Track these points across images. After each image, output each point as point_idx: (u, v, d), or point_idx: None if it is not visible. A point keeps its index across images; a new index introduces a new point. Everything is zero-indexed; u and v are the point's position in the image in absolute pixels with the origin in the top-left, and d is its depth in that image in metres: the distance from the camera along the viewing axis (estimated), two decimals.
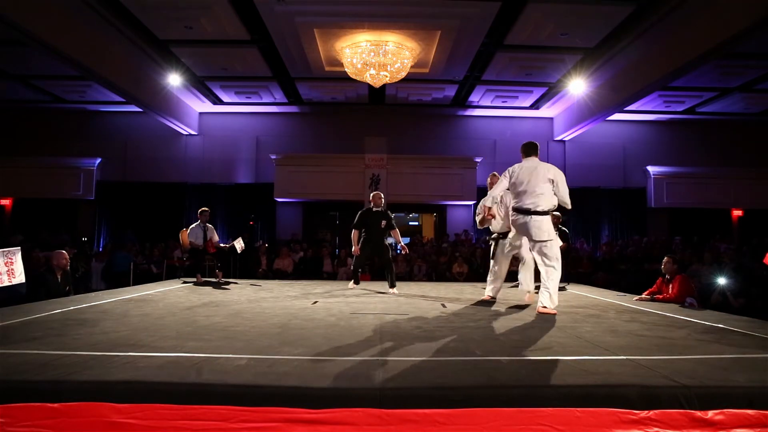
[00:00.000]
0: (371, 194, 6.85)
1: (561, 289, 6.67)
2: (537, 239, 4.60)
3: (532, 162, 4.73)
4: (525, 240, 5.03)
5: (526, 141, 4.92)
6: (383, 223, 6.59)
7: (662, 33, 8.47)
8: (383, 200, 6.91)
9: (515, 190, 4.73)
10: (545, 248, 4.60)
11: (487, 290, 5.69)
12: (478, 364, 2.67)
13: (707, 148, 13.67)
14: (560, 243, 6.90)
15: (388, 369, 2.53)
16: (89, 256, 10.67)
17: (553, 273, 4.59)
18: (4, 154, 13.23)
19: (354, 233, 6.72)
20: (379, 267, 6.95)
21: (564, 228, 7.43)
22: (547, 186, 4.61)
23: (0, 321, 3.71)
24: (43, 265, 6.35)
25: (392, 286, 6.46)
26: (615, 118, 12.72)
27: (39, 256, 8.53)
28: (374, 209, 6.63)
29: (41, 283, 5.55)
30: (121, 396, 2.19)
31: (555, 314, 4.47)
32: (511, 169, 4.78)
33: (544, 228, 4.58)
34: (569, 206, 4.80)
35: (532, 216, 4.59)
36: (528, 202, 4.61)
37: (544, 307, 4.55)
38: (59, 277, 5.70)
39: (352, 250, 6.77)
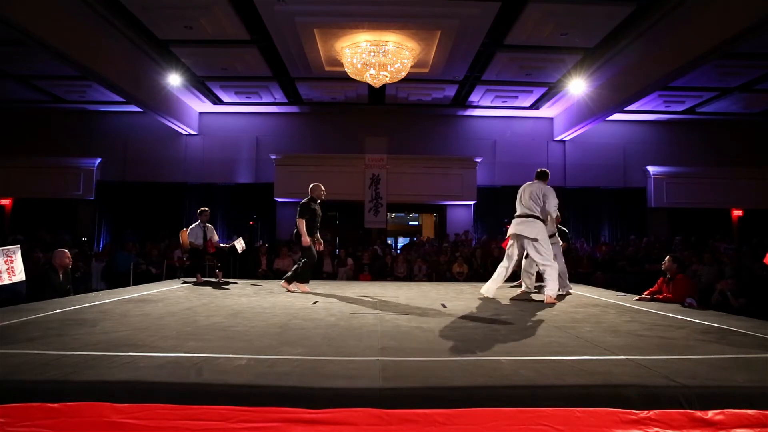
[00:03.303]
0: (312, 186, 6.45)
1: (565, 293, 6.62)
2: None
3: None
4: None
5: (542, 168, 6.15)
6: (320, 215, 6.48)
7: (662, 33, 8.47)
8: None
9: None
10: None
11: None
12: (478, 364, 2.67)
13: (707, 148, 13.67)
14: (560, 243, 6.97)
15: (388, 369, 2.53)
16: (89, 256, 10.66)
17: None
18: (4, 154, 13.24)
19: (303, 223, 6.24)
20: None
21: (563, 228, 7.43)
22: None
23: (0, 321, 3.71)
24: (44, 265, 6.35)
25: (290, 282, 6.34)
26: (615, 118, 12.72)
27: (39, 257, 8.53)
28: (318, 201, 6.42)
29: (46, 282, 5.53)
30: (121, 396, 2.19)
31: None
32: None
33: None
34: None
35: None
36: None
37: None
38: (61, 275, 5.70)
39: (303, 240, 6.22)
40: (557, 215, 6.61)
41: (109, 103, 12.80)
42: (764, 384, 2.37)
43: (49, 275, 5.62)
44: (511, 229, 5.81)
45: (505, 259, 5.95)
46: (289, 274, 6.45)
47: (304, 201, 6.38)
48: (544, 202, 5.76)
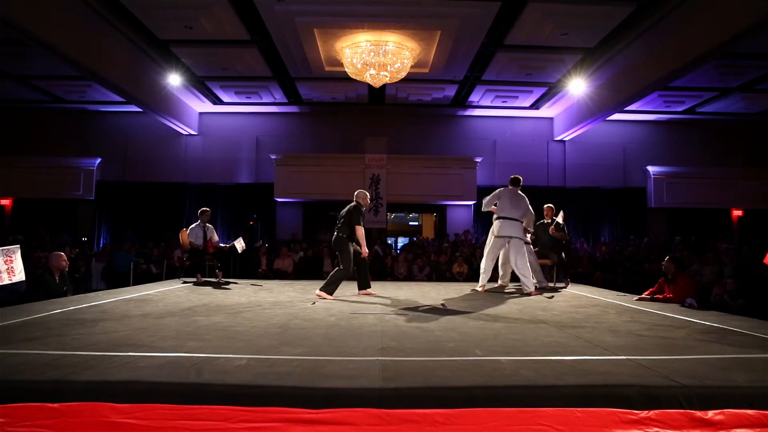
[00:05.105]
0: (359, 192, 6.16)
1: (559, 289, 6.83)
2: None
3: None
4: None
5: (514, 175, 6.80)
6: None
7: (662, 33, 8.47)
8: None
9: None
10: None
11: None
12: (478, 364, 2.67)
13: (707, 148, 13.66)
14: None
15: (388, 369, 2.53)
16: (89, 256, 10.66)
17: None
18: (4, 154, 13.24)
19: (362, 229, 5.85)
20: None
21: (561, 222, 7.42)
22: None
23: (0, 321, 3.71)
24: (42, 266, 6.35)
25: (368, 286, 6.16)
26: (615, 118, 12.72)
27: (39, 256, 8.54)
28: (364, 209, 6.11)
29: (41, 284, 5.54)
30: (121, 396, 2.19)
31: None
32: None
33: None
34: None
35: None
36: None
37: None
38: (57, 278, 5.70)
39: (363, 251, 5.93)
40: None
41: (109, 103, 12.80)
42: (764, 384, 2.37)
43: (44, 277, 5.62)
44: (504, 230, 6.41)
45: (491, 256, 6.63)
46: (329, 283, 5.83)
47: (354, 205, 5.94)
48: (527, 209, 6.57)
